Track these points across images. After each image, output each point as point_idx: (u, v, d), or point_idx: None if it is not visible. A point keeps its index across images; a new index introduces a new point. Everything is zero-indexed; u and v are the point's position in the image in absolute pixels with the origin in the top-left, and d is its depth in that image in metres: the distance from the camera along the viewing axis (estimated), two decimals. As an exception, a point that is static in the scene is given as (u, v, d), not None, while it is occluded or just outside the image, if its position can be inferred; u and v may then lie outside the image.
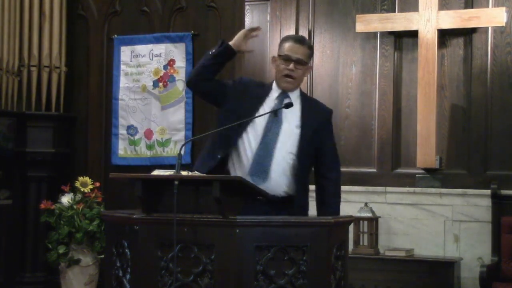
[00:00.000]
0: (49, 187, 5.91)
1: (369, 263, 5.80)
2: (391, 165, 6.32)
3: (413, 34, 6.17)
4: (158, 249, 2.96)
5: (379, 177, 6.33)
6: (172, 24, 5.90)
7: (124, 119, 5.94)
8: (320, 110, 3.73)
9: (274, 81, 3.67)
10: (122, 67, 5.97)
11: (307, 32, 6.59)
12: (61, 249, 5.44)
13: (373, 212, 5.97)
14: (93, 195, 5.54)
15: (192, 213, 2.96)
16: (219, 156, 3.50)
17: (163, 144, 5.80)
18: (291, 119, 3.58)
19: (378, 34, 6.40)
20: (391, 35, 6.35)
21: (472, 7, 6.11)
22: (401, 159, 6.32)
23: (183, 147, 3.22)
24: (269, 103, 3.59)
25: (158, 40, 5.86)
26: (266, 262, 2.88)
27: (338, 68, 6.53)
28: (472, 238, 5.91)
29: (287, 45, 3.61)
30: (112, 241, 3.20)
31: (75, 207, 5.44)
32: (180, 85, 5.78)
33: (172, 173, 3.00)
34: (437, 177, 6.13)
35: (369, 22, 6.29)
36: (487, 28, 6.07)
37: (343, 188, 6.37)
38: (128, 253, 3.08)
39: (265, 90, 3.66)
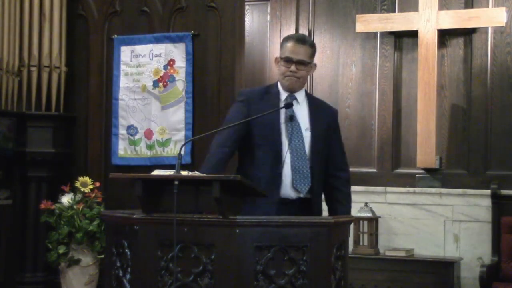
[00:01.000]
0: (49, 187, 5.91)
1: (369, 263, 5.80)
2: (391, 165, 6.32)
3: (413, 34, 6.17)
4: (158, 249, 2.96)
5: (379, 177, 6.33)
6: (172, 24, 5.90)
7: (124, 119, 5.94)
8: (327, 110, 3.72)
9: (278, 83, 3.65)
10: (122, 67, 5.97)
11: (307, 32, 6.59)
12: (61, 249, 5.44)
13: (373, 212, 5.97)
14: (93, 195, 5.54)
15: (192, 213, 2.96)
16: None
17: (163, 144, 5.80)
18: (301, 121, 3.57)
19: (378, 34, 6.40)
20: (391, 35, 6.35)
21: (472, 7, 6.11)
22: (401, 159, 6.32)
23: (183, 147, 3.21)
24: (279, 104, 3.59)
25: (158, 40, 5.86)
26: (266, 262, 2.87)
27: (338, 68, 6.53)
28: (472, 238, 5.91)
29: (288, 45, 3.58)
30: (112, 241, 3.20)
31: (75, 207, 5.44)
32: (180, 85, 5.78)
33: (172, 173, 3.00)
34: (437, 177, 6.13)
35: (369, 22, 6.29)
36: (487, 28, 6.07)
37: (343, 188, 6.36)
38: (128, 253, 3.08)
39: (274, 93, 3.63)
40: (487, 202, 5.84)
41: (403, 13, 6.26)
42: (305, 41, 3.63)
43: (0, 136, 5.64)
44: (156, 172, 3.10)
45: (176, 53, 5.80)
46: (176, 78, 5.80)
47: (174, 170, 3.02)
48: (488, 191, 5.82)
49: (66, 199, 5.51)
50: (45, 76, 5.92)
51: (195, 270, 2.90)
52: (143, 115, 5.88)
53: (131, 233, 3.04)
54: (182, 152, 3.11)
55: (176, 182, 2.89)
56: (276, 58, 3.67)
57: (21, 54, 5.90)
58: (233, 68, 5.65)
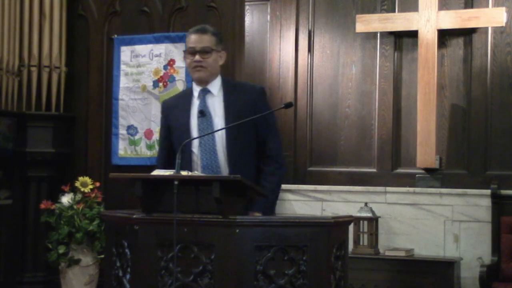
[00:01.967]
0: (49, 187, 5.92)
1: (369, 263, 5.79)
2: (391, 165, 6.32)
3: (413, 34, 6.17)
4: (158, 249, 2.96)
5: (379, 177, 6.33)
6: (172, 24, 5.90)
7: (124, 119, 5.94)
8: (247, 91, 3.60)
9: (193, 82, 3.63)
10: (122, 67, 5.98)
11: (307, 32, 6.59)
12: (61, 249, 5.44)
13: (373, 212, 5.96)
14: (93, 195, 5.55)
15: (192, 213, 2.96)
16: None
17: (163, 144, 5.79)
18: (218, 113, 3.50)
19: (378, 34, 6.40)
20: (391, 35, 6.35)
21: (472, 7, 6.11)
22: (401, 159, 6.32)
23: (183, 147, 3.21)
24: (195, 105, 3.54)
25: (158, 40, 5.86)
26: (266, 262, 2.87)
27: (338, 68, 6.53)
28: (472, 238, 5.90)
29: (190, 37, 3.54)
30: (112, 241, 3.20)
31: (75, 207, 5.44)
32: (180, 85, 5.78)
33: (172, 173, 3.00)
34: (437, 177, 6.13)
35: (369, 22, 6.29)
36: (487, 28, 6.07)
37: (343, 188, 6.43)
38: (128, 253, 3.08)
39: (188, 94, 3.62)
40: (487, 202, 5.83)
41: (403, 13, 6.25)
42: (206, 30, 3.56)
43: (0, 136, 5.64)
44: (156, 172, 3.10)
45: (176, 53, 5.81)
46: (176, 78, 5.81)
47: (174, 170, 3.02)
48: (488, 191, 5.82)
49: (66, 199, 5.51)
50: (45, 76, 5.92)
51: (195, 270, 2.90)
52: (143, 115, 5.89)
53: (131, 233, 3.04)
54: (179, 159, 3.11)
55: (176, 182, 2.89)
56: (184, 56, 3.63)
57: (21, 54, 5.90)
58: (233, 68, 5.65)
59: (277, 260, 2.89)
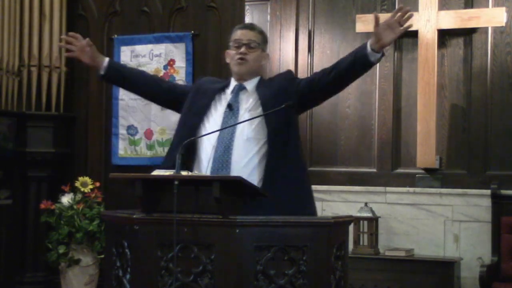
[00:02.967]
0: (49, 187, 5.91)
1: (369, 263, 5.80)
2: (391, 165, 6.33)
3: (413, 34, 6.17)
4: (158, 249, 2.96)
5: (379, 177, 6.33)
6: (172, 24, 5.90)
7: (124, 119, 5.94)
8: (277, 77, 3.60)
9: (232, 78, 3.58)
10: (122, 67, 5.97)
11: (307, 32, 6.59)
12: (61, 249, 5.44)
13: (373, 212, 5.97)
14: (93, 195, 5.54)
15: (192, 213, 2.96)
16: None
17: (163, 144, 5.79)
18: (247, 110, 3.43)
19: (378, 34, 6.39)
20: (391, 35, 6.34)
21: (472, 7, 6.12)
22: (401, 159, 6.33)
23: (183, 147, 3.21)
24: (226, 97, 3.50)
25: (158, 40, 5.86)
26: (266, 262, 2.87)
27: (338, 68, 6.52)
28: (472, 238, 5.91)
29: (236, 33, 3.53)
30: (112, 241, 3.20)
31: (75, 207, 5.44)
32: (180, 85, 5.78)
33: (172, 173, 3.00)
34: (437, 177, 6.13)
35: (369, 22, 6.28)
36: (487, 28, 6.07)
37: (343, 188, 6.43)
38: (128, 253, 3.08)
39: (221, 84, 3.57)
40: (487, 202, 5.84)
41: (403, 13, 6.25)
42: (254, 27, 3.58)
43: (0, 136, 5.64)
44: (156, 172, 3.10)
45: (176, 53, 5.80)
46: (176, 78, 5.80)
47: (174, 170, 3.02)
48: (488, 191, 5.82)
49: (66, 199, 5.51)
50: (45, 76, 5.92)
51: (195, 270, 2.90)
52: (143, 115, 5.88)
53: (131, 233, 3.04)
54: (182, 152, 3.11)
55: (176, 182, 2.89)
56: (226, 52, 3.58)
57: (21, 54, 5.90)
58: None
59: (277, 260, 2.88)
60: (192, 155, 3.44)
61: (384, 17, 6.26)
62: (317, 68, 6.56)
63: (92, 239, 5.46)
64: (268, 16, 6.75)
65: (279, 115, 3.33)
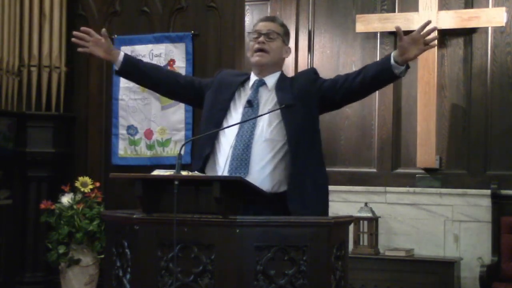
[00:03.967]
0: (49, 187, 5.91)
1: (369, 263, 5.80)
2: (391, 165, 6.33)
3: (413, 34, 6.17)
4: (158, 249, 2.96)
5: (379, 177, 6.33)
6: (172, 24, 5.90)
7: (124, 119, 5.94)
8: (299, 76, 3.47)
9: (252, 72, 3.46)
10: (122, 67, 5.96)
11: (307, 32, 6.59)
12: (61, 249, 5.44)
13: (373, 212, 5.97)
14: (93, 195, 5.55)
15: (192, 213, 2.96)
16: (203, 155, 3.35)
17: (163, 144, 5.80)
18: (267, 107, 3.32)
19: (378, 34, 6.40)
20: (391, 35, 6.35)
21: (472, 7, 6.12)
22: (401, 159, 6.32)
23: (183, 147, 3.21)
24: (245, 93, 3.39)
25: (158, 40, 5.86)
26: (266, 262, 2.87)
27: (338, 68, 6.53)
28: (472, 238, 5.91)
29: (257, 25, 3.41)
30: (112, 241, 3.20)
31: (75, 207, 5.44)
32: (180, 85, 5.77)
33: (172, 173, 3.00)
34: (437, 177, 6.13)
35: (369, 22, 6.29)
36: (487, 28, 6.07)
37: (342, 188, 6.42)
38: (128, 253, 3.08)
39: (242, 77, 3.44)
40: (487, 202, 5.84)
41: (403, 13, 6.26)
42: (275, 19, 3.47)
43: (0, 136, 5.64)
44: (156, 172, 3.10)
45: (176, 53, 5.80)
46: (176, 78, 5.80)
47: (174, 170, 3.02)
48: (488, 191, 5.82)
49: (66, 199, 5.51)
50: (45, 76, 5.92)
51: (195, 270, 2.90)
52: (143, 115, 5.88)
53: (131, 233, 3.04)
54: (182, 152, 3.11)
55: (176, 182, 2.89)
56: (248, 46, 3.47)
57: (21, 54, 5.90)
58: (233, 68, 5.65)
59: (277, 260, 2.88)
60: (209, 154, 3.35)
61: (386, 17, 6.28)
62: (317, 68, 6.51)
63: (92, 239, 5.46)
64: (268, 16, 6.75)
65: (299, 116, 3.25)
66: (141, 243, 3.01)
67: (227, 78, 3.49)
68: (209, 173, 3.34)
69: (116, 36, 6.00)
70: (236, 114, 3.35)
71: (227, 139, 3.32)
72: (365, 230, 5.93)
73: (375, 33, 6.40)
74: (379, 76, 3.27)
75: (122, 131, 5.94)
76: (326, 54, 6.59)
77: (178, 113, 5.74)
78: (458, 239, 5.96)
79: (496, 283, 5.42)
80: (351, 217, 3.50)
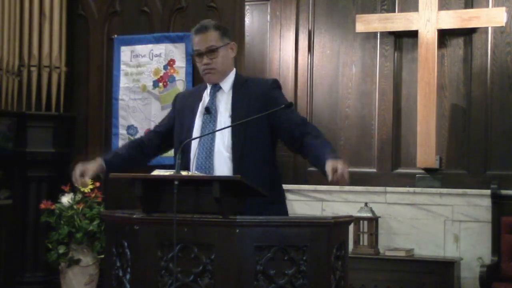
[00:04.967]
0: (49, 187, 5.92)
1: (369, 263, 5.80)
2: (391, 165, 6.32)
3: (413, 34, 6.17)
4: (158, 249, 2.96)
5: (379, 177, 6.33)
6: (172, 24, 5.90)
7: (124, 119, 5.94)
8: (256, 85, 3.40)
9: None
10: (122, 67, 5.98)
11: (307, 32, 6.59)
12: (61, 249, 5.44)
13: (373, 212, 5.97)
14: (93, 195, 5.55)
15: (192, 213, 2.96)
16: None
17: (163, 144, 5.79)
18: (224, 110, 3.32)
19: (378, 34, 6.40)
20: (391, 35, 6.35)
21: (472, 7, 6.11)
22: (401, 159, 6.32)
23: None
24: (203, 103, 3.38)
25: (158, 40, 5.86)
26: (266, 262, 2.87)
27: (338, 68, 6.53)
28: (472, 238, 5.91)
29: (193, 40, 3.35)
30: (112, 241, 3.20)
31: (75, 207, 5.45)
32: (180, 85, 5.78)
33: (172, 173, 3.00)
34: (437, 177, 6.13)
35: (369, 22, 6.29)
36: (487, 28, 6.07)
37: (343, 188, 6.41)
38: (128, 253, 3.07)
39: (200, 89, 3.45)
40: (487, 202, 5.84)
41: (403, 13, 6.26)
42: (207, 27, 3.34)
43: (0, 136, 5.64)
44: (156, 172, 3.10)
45: (176, 53, 5.81)
46: (176, 78, 5.81)
47: (174, 170, 3.02)
48: (488, 191, 5.82)
49: (66, 199, 5.51)
50: (45, 76, 5.92)
51: (195, 270, 2.90)
52: (143, 115, 5.89)
53: (131, 233, 3.04)
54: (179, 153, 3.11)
55: (176, 182, 2.89)
56: (192, 57, 3.45)
57: (21, 54, 5.90)
58: (233, 68, 5.65)
59: (277, 260, 2.88)
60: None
61: (386, 17, 6.28)
62: (317, 68, 6.57)
63: (92, 239, 5.46)
64: (268, 16, 6.75)
65: (248, 127, 3.24)
66: (141, 243, 3.00)
67: (183, 98, 3.51)
68: None
69: (116, 36, 6.00)
70: (197, 123, 3.34)
71: (192, 148, 3.33)
72: (365, 230, 5.93)
73: (375, 33, 6.40)
74: (313, 163, 3.28)
75: (122, 131, 5.94)
76: (326, 54, 6.58)
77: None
78: (458, 239, 5.95)
79: (496, 283, 5.42)
80: (351, 217, 3.49)
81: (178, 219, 2.89)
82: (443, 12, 6.12)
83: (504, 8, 5.95)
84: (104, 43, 6.08)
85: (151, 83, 5.88)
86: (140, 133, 5.89)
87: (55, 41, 5.97)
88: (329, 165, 3.05)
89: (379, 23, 6.27)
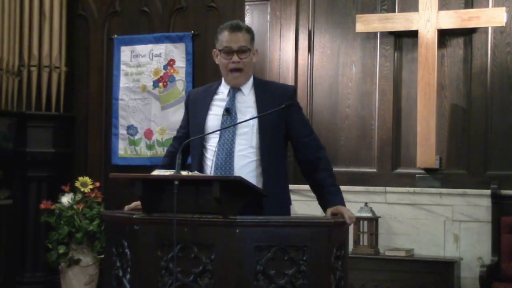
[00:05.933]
0: (49, 187, 5.92)
1: (369, 263, 5.80)
2: (391, 165, 6.32)
3: (413, 34, 6.17)
4: (158, 249, 2.96)
5: (379, 177, 6.33)
6: (172, 24, 5.90)
7: (124, 119, 5.95)
8: (279, 90, 3.42)
9: (222, 78, 3.45)
10: (122, 67, 5.98)
11: (307, 32, 6.59)
12: (61, 249, 5.45)
13: (373, 212, 5.97)
14: (93, 195, 5.55)
15: (192, 213, 2.96)
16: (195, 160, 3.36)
17: (163, 144, 5.80)
18: (246, 112, 3.33)
19: (378, 34, 6.40)
20: (391, 35, 6.35)
21: (472, 7, 6.11)
22: (401, 159, 6.32)
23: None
24: (220, 102, 3.38)
25: (158, 40, 5.87)
26: (266, 262, 2.87)
27: (338, 68, 6.53)
28: (472, 238, 5.91)
29: (224, 35, 3.33)
30: (112, 241, 3.20)
31: (75, 207, 5.45)
32: (180, 85, 5.78)
33: (172, 173, 3.00)
34: (437, 177, 6.13)
35: (369, 22, 6.29)
36: (487, 28, 6.07)
37: (343, 188, 6.37)
38: (128, 253, 3.08)
39: (213, 89, 3.44)
40: (487, 202, 5.84)
41: (403, 13, 6.25)
42: (241, 27, 3.37)
43: (0, 136, 5.64)
44: (156, 172, 3.10)
45: (176, 53, 5.81)
46: (176, 78, 5.81)
47: (174, 170, 3.02)
48: (488, 191, 5.82)
49: (66, 199, 5.52)
50: (45, 76, 5.92)
51: (195, 270, 2.90)
52: (143, 115, 5.89)
53: (131, 233, 3.04)
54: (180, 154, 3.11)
55: (176, 182, 2.89)
56: (214, 52, 3.40)
57: (21, 54, 5.91)
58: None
59: (277, 260, 2.88)
60: (195, 163, 3.38)
61: (386, 17, 6.27)
62: (317, 68, 6.56)
63: (92, 239, 5.46)
64: (268, 16, 6.75)
65: (273, 125, 3.30)
66: (141, 243, 3.01)
67: (195, 97, 3.51)
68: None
69: (116, 36, 6.00)
70: (215, 122, 3.34)
71: (211, 148, 3.33)
72: (365, 230, 5.92)
73: (375, 33, 6.40)
74: (315, 192, 3.42)
75: (122, 131, 5.95)
76: (326, 54, 6.58)
77: (178, 113, 5.74)
78: (458, 239, 5.95)
79: (496, 283, 5.42)
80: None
81: (178, 219, 2.89)
82: (443, 12, 6.11)
83: (504, 8, 5.95)
84: (104, 43, 6.09)
85: (151, 83, 5.88)
86: (140, 133, 5.89)
87: (55, 41, 5.98)
88: (329, 212, 3.23)
89: (379, 23, 6.27)
